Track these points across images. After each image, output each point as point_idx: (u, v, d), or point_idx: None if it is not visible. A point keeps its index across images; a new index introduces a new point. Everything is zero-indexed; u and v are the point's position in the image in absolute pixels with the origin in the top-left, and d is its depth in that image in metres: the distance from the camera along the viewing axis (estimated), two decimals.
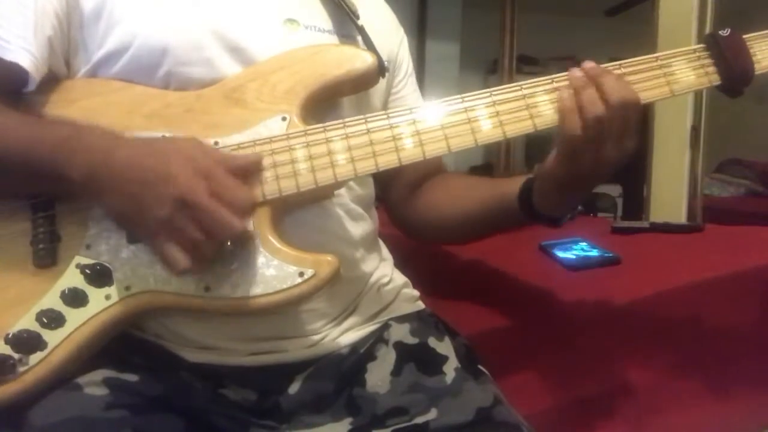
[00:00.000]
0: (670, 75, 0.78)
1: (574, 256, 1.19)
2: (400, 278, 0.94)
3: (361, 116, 0.75)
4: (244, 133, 0.74)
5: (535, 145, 3.52)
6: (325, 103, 0.79)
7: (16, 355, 0.70)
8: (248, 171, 0.71)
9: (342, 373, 0.82)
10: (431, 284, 1.01)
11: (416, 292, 0.96)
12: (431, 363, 0.85)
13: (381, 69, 0.78)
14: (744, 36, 0.79)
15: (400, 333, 0.87)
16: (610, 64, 0.77)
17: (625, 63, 0.78)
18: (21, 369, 0.70)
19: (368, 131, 0.74)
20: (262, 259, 0.70)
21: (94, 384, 0.73)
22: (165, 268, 0.68)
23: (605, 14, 4.14)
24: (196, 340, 0.78)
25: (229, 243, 0.68)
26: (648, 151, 2.32)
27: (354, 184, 0.86)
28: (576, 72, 0.76)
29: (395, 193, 0.99)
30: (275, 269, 0.70)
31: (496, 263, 1.19)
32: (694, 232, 1.39)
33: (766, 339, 1.09)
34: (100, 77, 0.77)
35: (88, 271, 0.71)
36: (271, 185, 0.72)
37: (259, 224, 0.71)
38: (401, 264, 0.97)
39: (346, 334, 0.84)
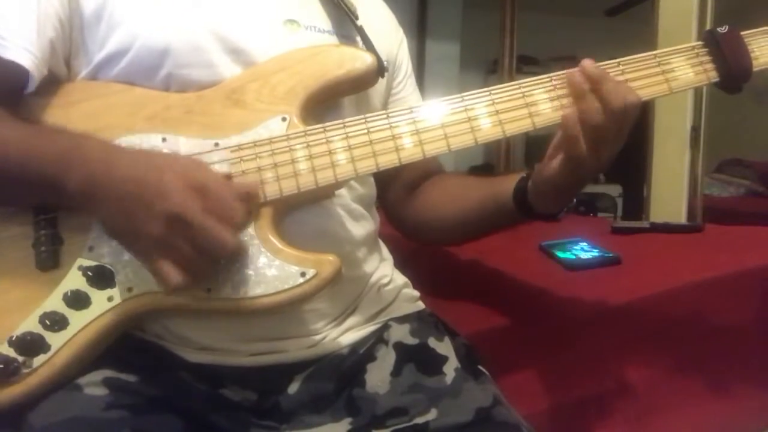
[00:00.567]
0: (669, 72, 0.78)
1: (574, 256, 1.19)
2: (400, 278, 0.94)
3: (361, 116, 0.75)
4: (245, 134, 0.74)
5: (534, 144, 3.52)
6: (325, 103, 0.79)
7: (19, 358, 0.70)
8: (245, 188, 0.71)
9: (342, 374, 0.82)
10: (431, 284, 1.01)
11: (416, 293, 0.96)
12: (431, 363, 0.85)
13: (380, 69, 0.79)
14: (742, 33, 0.80)
15: (400, 333, 0.87)
16: (609, 62, 0.77)
17: (624, 60, 0.78)
18: (24, 371, 0.70)
19: (368, 131, 0.74)
20: (263, 259, 0.70)
21: (93, 384, 0.73)
22: (159, 285, 0.68)
23: (605, 14, 4.13)
24: (196, 340, 0.78)
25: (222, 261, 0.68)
26: (648, 151, 2.32)
27: (355, 184, 0.86)
28: (576, 77, 0.76)
29: (393, 194, 0.99)
30: (277, 269, 0.70)
31: (496, 263, 1.19)
32: (694, 232, 1.39)
33: (766, 339, 1.09)
34: (101, 79, 0.77)
35: (90, 273, 0.71)
36: (271, 186, 0.72)
37: (261, 225, 0.71)
38: (401, 264, 0.97)
39: (346, 335, 0.84)
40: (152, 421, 0.72)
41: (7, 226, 0.73)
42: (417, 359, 0.85)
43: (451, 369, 0.84)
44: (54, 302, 0.71)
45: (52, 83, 0.76)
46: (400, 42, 0.99)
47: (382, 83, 0.89)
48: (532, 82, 0.77)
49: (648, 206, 2.35)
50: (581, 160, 0.75)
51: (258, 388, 0.79)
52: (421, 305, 0.94)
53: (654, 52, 0.79)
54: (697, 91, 2.17)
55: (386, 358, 0.85)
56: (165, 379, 0.76)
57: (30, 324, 0.70)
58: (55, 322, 0.71)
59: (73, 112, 0.75)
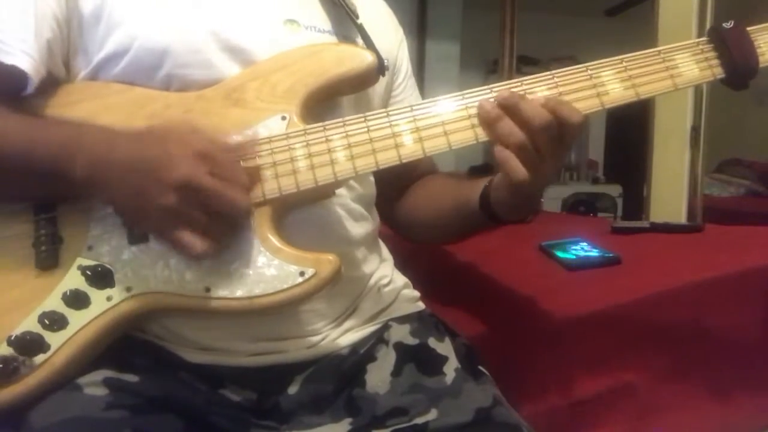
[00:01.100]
0: (673, 68, 0.78)
1: (574, 256, 1.19)
2: (400, 279, 0.94)
3: (361, 115, 0.75)
4: (244, 134, 0.73)
5: None
6: (325, 103, 0.79)
7: (19, 357, 0.70)
8: (244, 148, 0.71)
9: (342, 374, 0.82)
10: (431, 285, 1.01)
11: (416, 293, 0.96)
12: (431, 363, 0.85)
13: (381, 67, 0.78)
14: (748, 28, 0.79)
15: (400, 333, 0.87)
16: (612, 59, 0.77)
17: (627, 57, 0.77)
18: (24, 371, 0.70)
19: (368, 129, 0.74)
20: (262, 259, 0.70)
21: (94, 384, 0.73)
22: (182, 255, 0.69)
23: (605, 14, 4.14)
24: (195, 340, 0.78)
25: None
26: (648, 151, 2.32)
27: (355, 184, 0.86)
28: (485, 105, 0.74)
29: (386, 193, 0.99)
30: (276, 269, 0.70)
31: (496, 263, 1.19)
32: (694, 232, 1.39)
33: (767, 339, 1.09)
34: (100, 79, 0.77)
35: (89, 272, 0.71)
36: (270, 184, 0.72)
37: (260, 224, 0.71)
38: (401, 264, 0.97)
39: (346, 335, 0.84)
40: (152, 421, 0.72)
41: (8, 226, 0.73)
42: (417, 359, 0.85)
43: (451, 369, 0.84)
44: (53, 302, 0.71)
45: (52, 84, 0.76)
46: (400, 42, 0.99)
47: (382, 84, 0.89)
48: (533, 79, 0.77)
49: (648, 206, 2.35)
50: (523, 185, 0.73)
51: (258, 388, 0.79)
52: (421, 305, 0.94)
53: (658, 49, 0.78)
54: (698, 91, 2.16)
55: (386, 358, 0.85)
56: (165, 379, 0.76)
57: (29, 323, 0.70)
58: (54, 321, 0.71)
59: (72, 113, 0.74)
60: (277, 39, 0.79)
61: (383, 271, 0.91)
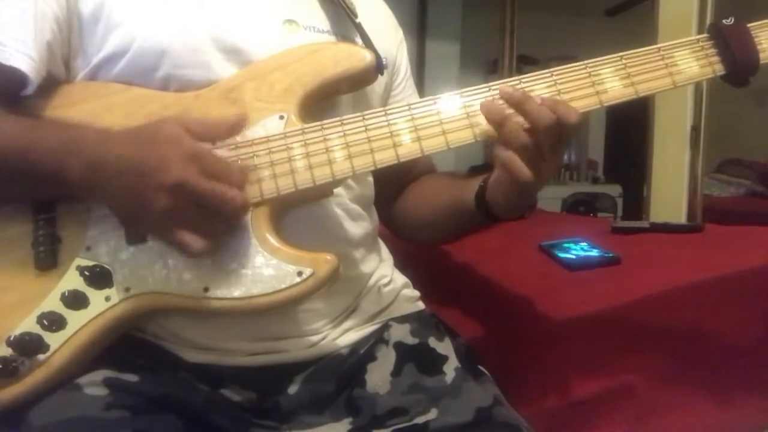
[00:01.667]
0: (673, 66, 0.77)
1: (574, 256, 1.19)
2: (399, 278, 0.94)
3: (359, 114, 0.75)
4: (242, 133, 0.73)
5: None
6: (323, 102, 0.79)
7: (18, 358, 0.70)
8: (233, 128, 0.71)
9: (342, 374, 0.82)
10: (431, 284, 1.01)
11: (416, 293, 0.96)
12: (431, 363, 0.85)
13: (379, 66, 0.78)
14: (748, 25, 0.79)
15: (400, 333, 0.87)
16: (611, 57, 0.77)
17: (627, 54, 0.77)
18: (23, 371, 0.70)
19: (366, 128, 0.74)
20: (260, 258, 0.70)
21: (93, 384, 0.73)
22: (181, 254, 0.69)
23: (605, 14, 4.14)
24: (195, 340, 0.78)
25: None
26: (648, 151, 2.32)
27: (353, 183, 0.86)
28: (490, 106, 0.74)
29: (385, 195, 0.99)
30: (274, 269, 0.70)
31: (495, 263, 1.19)
32: (694, 232, 1.38)
33: (767, 339, 1.09)
34: (100, 80, 0.77)
35: (87, 272, 0.71)
36: (268, 184, 0.72)
37: (258, 224, 0.71)
38: (401, 264, 0.97)
39: (346, 335, 0.84)
40: (152, 421, 0.72)
41: (7, 227, 0.73)
42: (417, 359, 0.85)
43: (451, 369, 0.84)
44: (52, 302, 0.71)
45: (52, 84, 0.76)
46: (400, 42, 0.99)
47: (380, 84, 0.89)
48: (532, 78, 0.76)
49: (648, 206, 2.35)
50: (526, 185, 0.74)
51: (258, 388, 0.79)
52: (421, 305, 0.94)
53: (657, 46, 0.78)
54: (698, 91, 2.16)
55: (386, 358, 0.85)
56: (165, 379, 0.76)
57: (28, 324, 0.70)
58: (53, 322, 0.70)
59: (72, 113, 0.74)
60: (275, 39, 0.79)
61: (383, 271, 0.91)
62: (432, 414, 0.79)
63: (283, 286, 0.69)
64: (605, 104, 0.76)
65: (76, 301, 0.71)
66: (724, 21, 0.78)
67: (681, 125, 2.23)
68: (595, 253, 1.21)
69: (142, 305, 0.72)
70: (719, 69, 0.78)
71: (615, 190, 3.93)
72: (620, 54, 0.77)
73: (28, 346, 0.70)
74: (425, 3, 3.89)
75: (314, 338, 0.81)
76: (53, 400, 0.71)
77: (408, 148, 0.74)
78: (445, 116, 0.75)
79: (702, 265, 1.14)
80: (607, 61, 0.77)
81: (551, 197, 3.59)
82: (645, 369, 1.03)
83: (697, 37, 0.79)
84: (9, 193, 0.73)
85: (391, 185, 0.99)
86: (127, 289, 0.71)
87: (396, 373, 0.83)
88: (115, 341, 0.75)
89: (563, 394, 0.99)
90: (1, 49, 0.72)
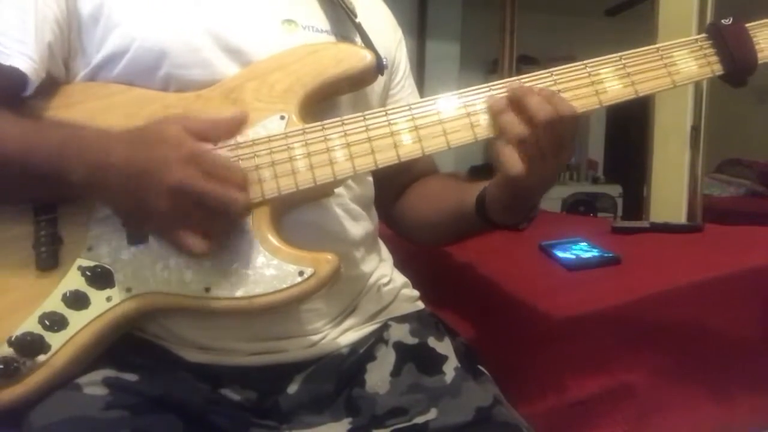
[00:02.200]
0: (672, 65, 0.77)
1: (574, 256, 1.19)
2: (399, 278, 0.94)
3: (360, 114, 0.75)
4: (243, 133, 0.73)
5: None
6: (324, 102, 0.79)
7: (19, 358, 0.70)
8: (233, 124, 0.71)
9: (342, 374, 0.82)
10: (431, 284, 1.01)
11: (416, 292, 0.96)
12: (431, 363, 0.85)
13: (379, 66, 0.78)
14: (747, 24, 0.79)
15: (400, 333, 0.87)
16: (611, 56, 0.77)
17: (626, 54, 0.77)
18: (24, 371, 0.70)
19: (366, 128, 0.74)
20: (261, 258, 0.70)
21: (93, 384, 0.73)
22: (185, 255, 0.69)
23: (605, 14, 4.13)
24: (195, 340, 0.78)
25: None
26: (648, 151, 2.32)
27: (353, 184, 0.86)
28: (493, 97, 0.74)
29: (385, 194, 1.00)
30: (275, 269, 0.70)
31: (496, 263, 1.18)
32: (694, 232, 1.38)
33: (767, 339, 1.09)
34: (100, 80, 0.77)
35: (89, 273, 0.71)
36: (269, 184, 0.72)
37: (259, 224, 0.71)
38: (401, 264, 0.97)
39: (345, 335, 0.84)
40: (152, 420, 0.72)
41: (8, 227, 0.74)
42: (417, 359, 0.85)
43: (450, 368, 0.84)
44: (53, 302, 0.71)
45: (52, 85, 0.76)
46: (399, 42, 0.99)
47: (380, 83, 0.89)
48: (532, 78, 0.77)
49: (648, 206, 2.35)
50: (517, 179, 0.73)
51: (258, 387, 0.79)
52: (420, 305, 0.94)
53: (656, 46, 0.78)
54: (698, 91, 2.16)
55: (386, 357, 0.85)
56: (165, 378, 0.76)
57: (30, 324, 0.71)
58: (54, 322, 0.71)
59: (72, 114, 0.75)
60: (275, 39, 0.79)
61: (382, 271, 0.91)
62: (432, 414, 0.79)
63: (285, 285, 0.70)
64: (605, 104, 0.76)
65: (77, 301, 0.71)
66: (722, 21, 0.78)
67: (681, 125, 2.23)
68: (595, 253, 1.21)
69: (143, 305, 0.72)
70: (717, 69, 0.78)
71: (615, 190, 3.92)
72: (620, 54, 0.77)
73: (30, 347, 0.70)
74: (425, 3, 3.89)
75: (314, 338, 0.81)
76: (53, 400, 0.71)
77: (409, 148, 0.74)
78: (445, 116, 0.75)
79: (702, 265, 1.14)
80: (606, 61, 0.77)
81: (551, 197, 3.59)
82: (645, 369, 1.03)
83: (696, 37, 0.79)
84: (10, 194, 0.73)
85: (393, 185, 0.99)
86: (128, 289, 0.71)
87: (396, 372, 0.83)
88: (115, 341, 0.75)
89: (563, 394, 0.99)
90: (1, 49, 0.72)
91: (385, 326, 0.88)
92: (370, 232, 0.90)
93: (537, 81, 0.76)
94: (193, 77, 0.76)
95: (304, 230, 0.77)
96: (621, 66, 0.77)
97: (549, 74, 0.76)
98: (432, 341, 0.88)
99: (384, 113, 0.75)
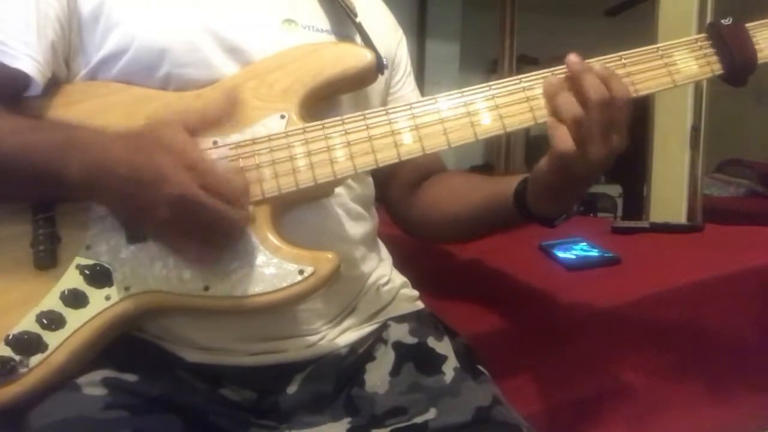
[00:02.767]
0: (672, 65, 0.78)
1: (574, 256, 1.19)
2: (398, 278, 0.94)
3: (360, 113, 0.75)
4: (243, 132, 0.73)
5: (535, 144, 3.52)
6: (324, 102, 0.79)
7: (16, 357, 0.70)
8: (226, 104, 0.71)
9: (341, 373, 0.82)
10: (431, 284, 1.01)
11: (415, 292, 0.96)
12: (430, 363, 0.85)
13: (379, 66, 0.78)
14: (746, 25, 0.79)
15: (399, 333, 0.87)
16: (610, 56, 0.77)
17: (626, 54, 0.77)
18: (22, 370, 0.70)
19: (367, 127, 0.74)
20: (261, 257, 0.70)
21: (93, 384, 0.73)
22: (181, 261, 0.69)
23: (605, 14, 4.14)
24: (195, 340, 0.78)
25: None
26: (648, 151, 2.32)
27: (353, 183, 0.86)
28: (550, 80, 0.75)
29: (395, 193, 0.99)
30: (275, 267, 0.70)
31: (496, 263, 1.19)
32: (694, 232, 1.39)
33: (766, 339, 1.09)
34: (100, 79, 0.77)
35: (87, 271, 0.71)
36: (270, 183, 0.72)
37: (259, 223, 0.71)
38: (401, 264, 0.96)
39: (344, 334, 0.84)
40: (152, 421, 0.72)
41: (6, 226, 0.73)
42: (416, 359, 0.85)
43: (450, 368, 0.84)
44: (51, 301, 0.71)
45: (52, 84, 0.76)
46: (399, 41, 0.99)
47: (381, 82, 0.89)
48: (533, 77, 0.77)
49: (648, 206, 2.35)
50: (567, 158, 0.73)
51: (257, 387, 0.79)
52: (420, 305, 0.94)
53: (656, 45, 0.78)
54: (698, 91, 2.17)
55: (385, 357, 0.85)
56: (164, 379, 0.76)
57: (27, 323, 0.70)
58: (52, 321, 0.70)
59: (72, 113, 0.74)
60: (275, 38, 0.79)
61: (382, 271, 0.91)
62: (431, 414, 0.79)
63: (285, 284, 0.69)
64: None
65: (75, 300, 0.71)
66: (722, 21, 0.79)
67: (681, 125, 2.23)
68: (595, 253, 1.21)
69: (142, 304, 0.72)
70: (717, 69, 0.79)
71: (615, 190, 3.92)
72: (620, 54, 0.77)
73: (27, 345, 0.70)
74: (425, 3, 3.90)
75: (313, 338, 0.81)
76: (52, 400, 0.71)
77: (409, 147, 0.74)
78: (446, 115, 0.75)
79: (702, 265, 1.14)
80: (606, 60, 0.77)
81: None
82: (645, 369, 1.03)
83: (696, 36, 0.79)
84: (8, 193, 0.73)
85: (402, 184, 0.99)
86: (127, 288, 0.71)
87: (395, 372, 0.83)
88: (114, 341, 0.74)
89: (563, 394, 0.99)
90: (5, 50, 0.72)
91: (384, 326, 0.88)
92: (370, 231, 0.90)
93: (538, 81, 0.76)
94: (193, 76, 0.76)
95: (303, 229, 0.77)
96: (621, 65, 0.77)
97: (549, 74, 0.77)
98: (431, 341, 0.88)
99: (384, 112, 0.75)
